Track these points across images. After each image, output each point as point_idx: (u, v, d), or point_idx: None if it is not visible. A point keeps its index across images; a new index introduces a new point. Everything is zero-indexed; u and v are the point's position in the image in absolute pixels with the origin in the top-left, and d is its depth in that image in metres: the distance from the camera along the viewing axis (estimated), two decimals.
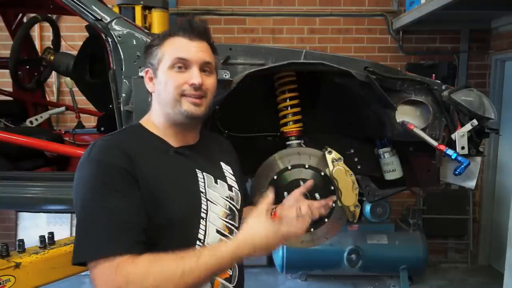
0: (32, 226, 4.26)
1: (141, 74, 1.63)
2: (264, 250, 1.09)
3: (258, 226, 1.10)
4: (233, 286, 1.26)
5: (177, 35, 1.22)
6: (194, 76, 1.19)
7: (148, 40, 1.67)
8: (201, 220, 1.20)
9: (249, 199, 1.58)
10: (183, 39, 1.22)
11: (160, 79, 1.21)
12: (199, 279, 1.03)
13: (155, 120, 1.26)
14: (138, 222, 1.06)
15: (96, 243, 1.02)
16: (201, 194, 1.22)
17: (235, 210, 1.32)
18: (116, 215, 1.03)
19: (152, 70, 1.24)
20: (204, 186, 1.24)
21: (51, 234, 1.98)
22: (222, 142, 1.49)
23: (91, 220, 1.04)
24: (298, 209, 1.33)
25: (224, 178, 1.33)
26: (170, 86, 1.19)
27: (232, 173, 1.38)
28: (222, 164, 1.37)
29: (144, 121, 1.29)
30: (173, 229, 1.14)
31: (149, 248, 1.07)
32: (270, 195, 1.20)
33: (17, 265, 1.73)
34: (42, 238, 1.95)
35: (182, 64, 1.20)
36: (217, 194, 1.27)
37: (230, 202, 1.31)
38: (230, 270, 1.26)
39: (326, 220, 1.78)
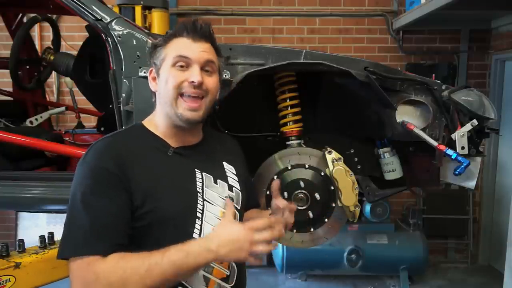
0: (32, 226, 4.25)
1: (143, 73, 1.63)
2: (232, 250, 1.08)
3: (226, 226, 1.13)
4: (230, 287, 1.26)
5: (181, 35, 1.23)
6: (194, 74, 1.19)
7: (149, 40, 1.68)
8: (197, 219, 1.21)
9: (254, 201, 1.57)
10: (187, 40, 1.22)
11: (162, 77, 1.23)
12: (165, 273, 1.05)
13: (158, 120, 1.27)
14: (117, 227, 1.11)
15: (74, 242, 1.09)
16: (198, 194, 1.23)
17: (234, 210, 1.32)
18: (97, 219, 1.09)
19: (155, 69, 1.26)
20: (202, 186, 1.25)
21: (51, 234, 1.99)
22: (227, 142, 1.48)
23: (75, 220, 1.11)
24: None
25: (225, 178, 1.33)
26: (170, 83, 1.20)
27: (235, 172, 1.38)
28: (225, 163, 1.37)
29: (147, 121, 1.30)
30: (166, 226, 1.16)
31: (140, 246, 1.10)
32: (229, 204, 1.23)
33: (17, 265, 1.73)
34: (42, 238, 1.95)
35: (184, 63, 1.21)
36: (215, 194, 1.27)
37: None
38: (227, 270, 1.25)
39: (326, 220, 1.78)
